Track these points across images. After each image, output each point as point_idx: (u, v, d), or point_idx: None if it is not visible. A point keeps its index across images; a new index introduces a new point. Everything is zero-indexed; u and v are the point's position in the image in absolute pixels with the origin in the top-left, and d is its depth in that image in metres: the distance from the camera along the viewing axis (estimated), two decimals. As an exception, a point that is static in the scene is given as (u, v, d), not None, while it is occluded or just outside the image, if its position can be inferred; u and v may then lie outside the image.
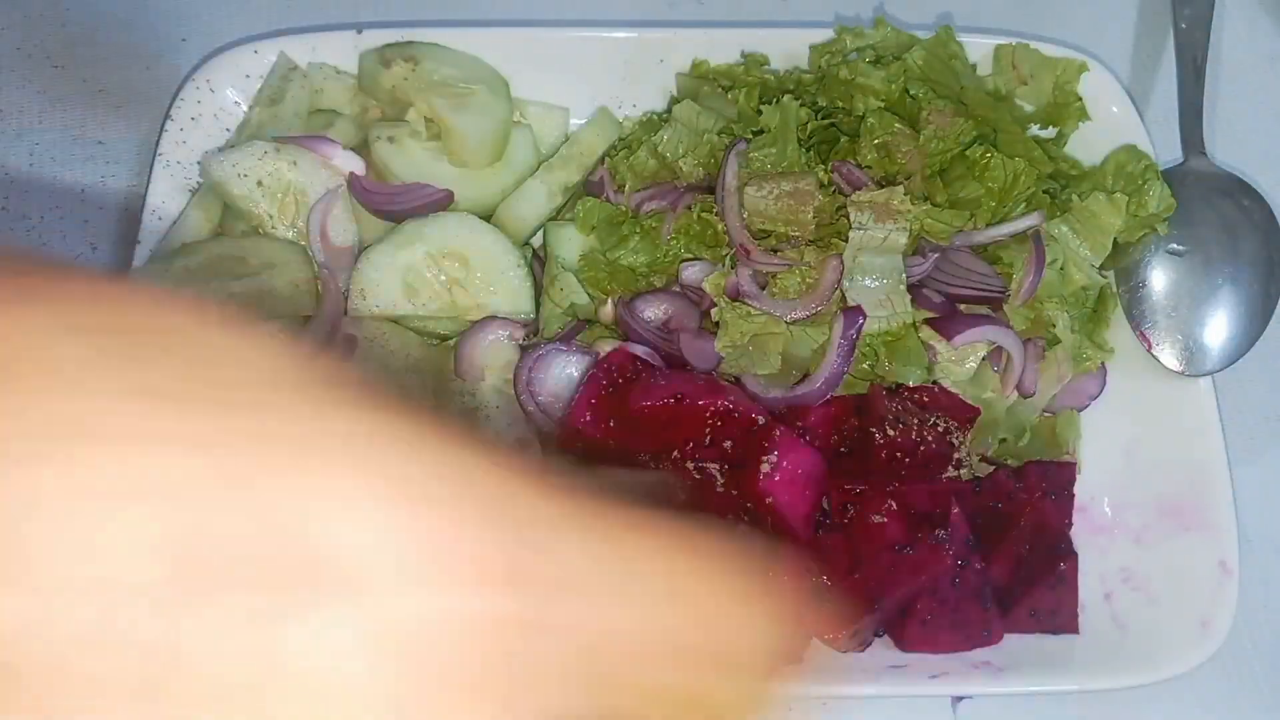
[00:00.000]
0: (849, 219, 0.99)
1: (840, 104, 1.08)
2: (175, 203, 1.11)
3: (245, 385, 0.30)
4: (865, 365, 1.00)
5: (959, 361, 1.02)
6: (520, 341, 1.02)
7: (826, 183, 1.03)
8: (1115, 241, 1.07)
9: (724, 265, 1.03)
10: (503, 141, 1.11)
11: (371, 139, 1.09)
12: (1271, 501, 1.11)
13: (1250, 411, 1.13)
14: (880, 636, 0.98)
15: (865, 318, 0.98)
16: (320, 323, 1.00)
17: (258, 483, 0.29)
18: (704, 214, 1.03)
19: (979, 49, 1.14)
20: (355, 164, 1.07)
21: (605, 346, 1.00)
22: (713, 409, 0.94)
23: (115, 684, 0.27)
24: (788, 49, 1.17)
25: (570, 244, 1.07)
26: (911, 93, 1.07)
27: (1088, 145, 1.13)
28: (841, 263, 0.99)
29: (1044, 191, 1.07)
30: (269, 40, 1.15)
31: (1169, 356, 1.07)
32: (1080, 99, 1.12)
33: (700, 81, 1.16)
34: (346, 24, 1.18)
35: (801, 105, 1.06)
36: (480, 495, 0.31)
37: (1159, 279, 1.09)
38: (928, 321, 1.02)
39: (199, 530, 0.28)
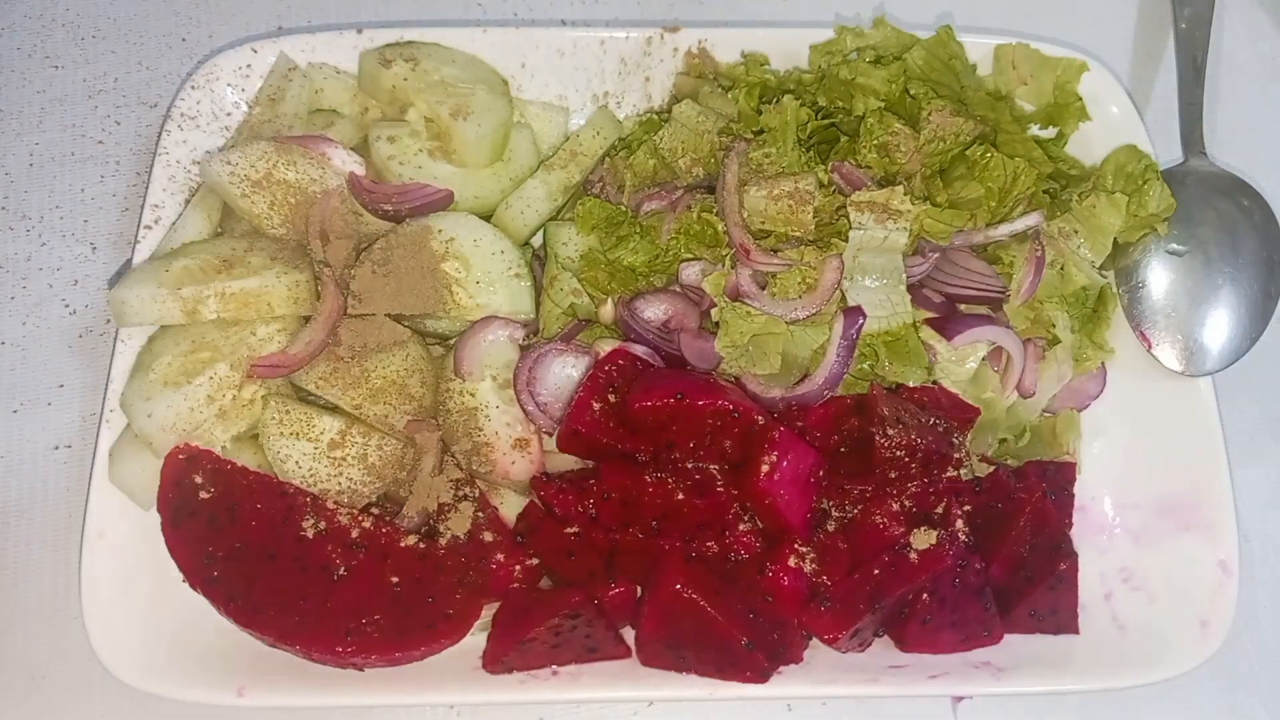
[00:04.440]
0: (849, 219, 0.99)
1: (840, 104, 1.08)
2: (175, 202, 1.11)
3: None
4: (865, 365, 1.00)
5: (959, 361, 1.02)
6: (520, 341, 1.02)
7: (826, 183, 1.03)
8: (1115, 241, 1.07)
9: (724, 265, 1.03)
10: (503, 142, 1.11)
11: (371, 139, 1.09)
12: (1272, 501, 1.11)
13: (1250, 412, 1.13)
14: (880, 637, 0.99)
15: (865, 318, 0.98)
16: (319, 321, 1.00)
17: None
18: (704, 214, 1.03)
19: (979, 49, 1.14)
20: (355, 164, 1.07)
21: (605, 346, 1.00)
22: (713, 409, 0.94)
23: None
24: (788, 49, 1.17)
25: (570, 244, 1.08)
26: (911, 92, 1.07)
27: (1088, 145, 1.14)
28: (841, 263, 0.99)
29: (1044, 191, 1.07)
30: (268, 40, 1.15)
31: (1169, 356, 1.07)
32: (1080, 99, 1.13)
33: (700, 81, 1.16)
34: (346, 24, 1.18)
35: (801, 105, 1.06)
36: None
37: (1159, 279, 1.09)
38: (928, 321, 1.03)
39: None
